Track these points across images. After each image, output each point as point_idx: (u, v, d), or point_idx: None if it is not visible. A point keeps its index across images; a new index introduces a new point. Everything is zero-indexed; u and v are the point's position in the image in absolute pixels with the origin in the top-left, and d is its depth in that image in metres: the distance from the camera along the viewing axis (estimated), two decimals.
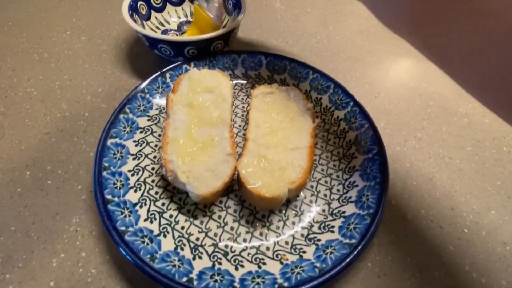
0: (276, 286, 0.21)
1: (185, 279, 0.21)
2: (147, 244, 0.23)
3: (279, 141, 0.28)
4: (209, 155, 0.25)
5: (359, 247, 0.22)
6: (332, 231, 0.25)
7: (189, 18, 0.45)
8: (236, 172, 0.26)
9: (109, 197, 0.24)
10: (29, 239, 0.26)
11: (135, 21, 0.38)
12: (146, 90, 0.33)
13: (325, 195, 0.28)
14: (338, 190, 0.28)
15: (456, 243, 0.28)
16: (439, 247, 0.28)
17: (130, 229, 0.23)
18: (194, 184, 0.24)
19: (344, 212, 0.26)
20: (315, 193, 0.28)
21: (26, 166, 0.30)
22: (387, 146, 0.34)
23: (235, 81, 0.37)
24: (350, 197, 0.27)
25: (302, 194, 0.28)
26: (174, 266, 0.22)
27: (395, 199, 0.30)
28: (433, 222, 0.29)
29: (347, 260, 0.22)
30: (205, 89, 0.30)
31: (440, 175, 0.33)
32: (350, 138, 0.32)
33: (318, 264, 0.22)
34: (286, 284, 0.21)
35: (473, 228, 0.29)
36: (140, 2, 0.40)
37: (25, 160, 0.30)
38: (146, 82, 0.33)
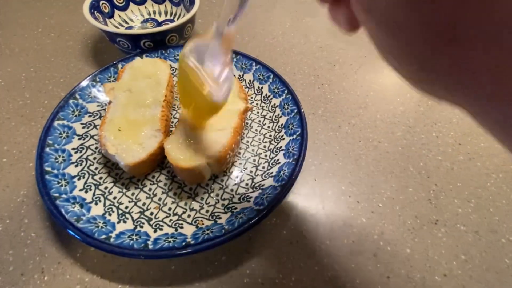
0: (184, 243, 0.24)
1: (103, 236, 0.24)
2: (77, 209, 0.26)
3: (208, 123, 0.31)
4: (139, 131, 0.29)
5: (264, 212, 0.25)
6: (249, 201, 0.28)
7: (152, 16, 0.49)
8: None
9: (48, 169, 0.28)
10: None
11: (96, 18, 0.41)
12: (98, 79, 0.36)
13: (251, 172, 0.31)
14: (263, 168, 0.31)
15: (369, 216, 0.30)
16: (352, 219, 0.30)
17: (64, 196, 0.26)
18: (121, 155, 0.27)
19: (263, 185, 0.29)
20: (243, 170, 0.31)
21: None
22: (321, 131, 0.37)
23: None
24: (271, 173, 0.30)
25: (230, 171, 0.31)
26: (97, 227, 0.25)
27: (319, 177, 0.33)
28: (351, 197, 0.32)
29: (250, 222, 0.25)
30: (144, 75, 0.33)
31: (366, 157, 0.35)
32: (282, 123, 0.34)
33: (226, 227, 0.25)
34: (192, 242, 0.24)
35: (388, 203, 0.32)
36: (102, 1, 0.44)
37: None
38: (98, 71, 0.36)
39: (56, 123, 0.31)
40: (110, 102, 0.32)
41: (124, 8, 0.47)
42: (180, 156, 0.27)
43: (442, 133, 0.38)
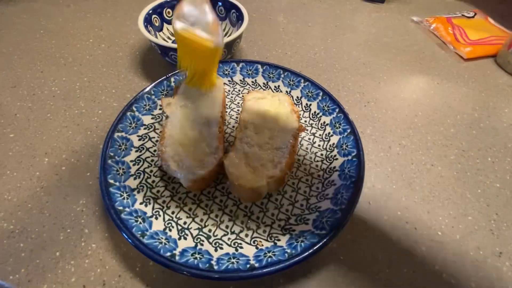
0: (248, 266, 0.23)
1: (168, 254, 0.24)
2: (140, 223, 0.26)
3: (264, 141, 0.31)
4: (198, 148, 0.29)
5: (327, 237, 0.25)
6: (307, 223, 0.27)
7: None
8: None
9: (111, 181, 0.28)
10: (42, 215, 0.30)
11: (149, 32, 0.42)
12: (152, 92, 0.37)
13: (305, 192, 0.31)
14: (317, 188, 0.31)
15: (429, 244, 0.29)
16: (412, 247, 0.29)
17: (127, 209, 0.27)
18: (183, 171, 0.27)
19: (320, 207, 0.29)
20: (296, 189, 0.31)
21: (45, 154, 0.34)
22: (371, 152, 0.37)
23: (233, 87, 0.41)
24: (327, 194, 0.30)
25: (284, 190, 0.31)
26: (161, 243, 0.25)
27: (373, 200, 0.32)
28: (408, 224, 0.31)
29: (315, 248, 0.24)
30: (200, 91, 0.34)
31: (420, 181, 0.34)
32: (333, 142, 0.34)
33: (288, 250, 0.25)
34: (257, 265, 0.23)
35: (448, 231, 0.30)
36: (154, 15, 0.45)
37: (45, 148, 0.35)
38: (152, 84, 0.37)
39: (116, 135, 0.32)
40: (167, 117, 0.32)
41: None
42: (242, 176, 0.27)
43: (498, 158, 0.37)
